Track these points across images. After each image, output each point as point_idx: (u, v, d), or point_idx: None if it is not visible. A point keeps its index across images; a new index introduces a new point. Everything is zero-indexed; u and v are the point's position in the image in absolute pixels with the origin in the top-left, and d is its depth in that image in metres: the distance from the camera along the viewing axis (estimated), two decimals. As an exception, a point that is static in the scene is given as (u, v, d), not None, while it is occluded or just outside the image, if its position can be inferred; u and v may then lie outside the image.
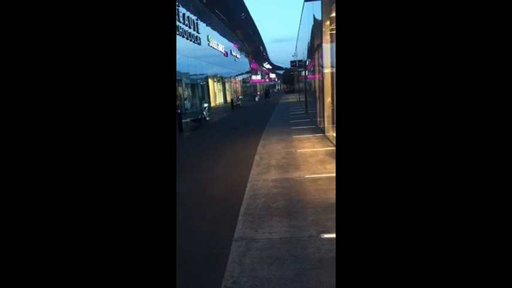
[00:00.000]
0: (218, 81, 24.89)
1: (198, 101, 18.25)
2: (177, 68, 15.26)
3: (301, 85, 18.74)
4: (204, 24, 20.32)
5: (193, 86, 18.21)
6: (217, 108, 20.31)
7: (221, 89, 25.96)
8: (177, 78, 15.10)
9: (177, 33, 15.40)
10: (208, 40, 21.18)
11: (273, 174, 4.43)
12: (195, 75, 18.41)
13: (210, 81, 22.26)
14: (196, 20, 18.49)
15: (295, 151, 5.87)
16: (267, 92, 26.22)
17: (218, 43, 23.84)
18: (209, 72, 21.49)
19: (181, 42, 15.83)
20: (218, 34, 24.27)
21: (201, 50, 19.51)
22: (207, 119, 12.60)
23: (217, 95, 24.52)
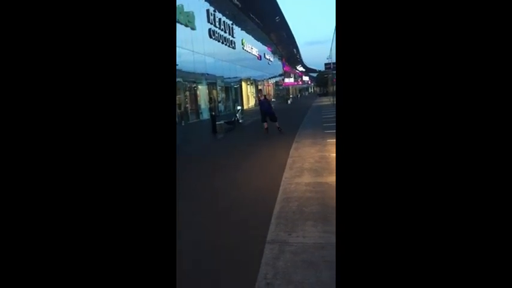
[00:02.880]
0: (251, 84, 25.15)
1: (231, 104, 18.57)
2: (212, 72, 15.66)
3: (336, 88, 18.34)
4: (239, 29, 20.67)
5: (227, 89, 18.58)
6: (250, 111, 20.49)
7: (254, 91, 26.20)
8: (211, 81, 15.50)
9: (213, 37, 15.81)
10: (242, 44, 21.52)
11: (306, 178, 4.38)
12: (229, 78, 18.77)
13: (244, 84, 22.57)
14: (232, 24, 18.87)
15: (329, 155, 5.75)
16: (266, 106, 9.15)
17: (252, 47, 24.12)
18: (242, 75, 21.80)
19: (216, 47, 16.23)
20: (252, 38, 24.56)
21: (236, 53, 19.86)
22: (240, 121, 12.77)
23: (250, 98, 24.77)
